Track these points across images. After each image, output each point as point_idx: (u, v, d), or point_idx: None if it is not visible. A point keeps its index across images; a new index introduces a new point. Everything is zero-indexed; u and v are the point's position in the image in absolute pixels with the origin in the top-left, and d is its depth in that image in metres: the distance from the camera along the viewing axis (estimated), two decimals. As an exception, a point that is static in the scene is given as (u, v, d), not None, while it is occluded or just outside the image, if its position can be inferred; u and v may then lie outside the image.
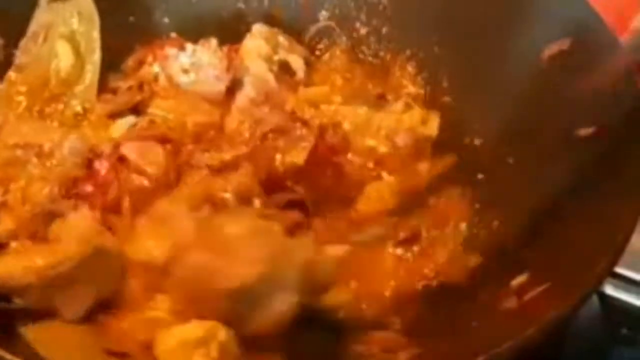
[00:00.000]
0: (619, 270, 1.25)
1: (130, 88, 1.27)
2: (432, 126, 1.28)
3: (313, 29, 1.41)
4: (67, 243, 1.00)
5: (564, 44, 1.18)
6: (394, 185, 1.23)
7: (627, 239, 0.95)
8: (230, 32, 1.38)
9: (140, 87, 1.28)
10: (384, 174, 1.24)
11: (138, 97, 1.25)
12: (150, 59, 1.31)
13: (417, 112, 1.29)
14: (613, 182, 1.02)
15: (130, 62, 1.35)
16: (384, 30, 1.38)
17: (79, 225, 1.03)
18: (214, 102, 1.27)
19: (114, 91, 1.29)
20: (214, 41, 1.32)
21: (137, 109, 1.26)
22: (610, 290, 1.24)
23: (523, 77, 1.23)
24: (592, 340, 1.22)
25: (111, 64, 1.33)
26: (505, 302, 1.01)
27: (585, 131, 1.11)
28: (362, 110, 1.29)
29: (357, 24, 1.42)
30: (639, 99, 1.08)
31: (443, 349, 0.99)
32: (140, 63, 1.33)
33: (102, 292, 1.01)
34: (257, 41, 1.35)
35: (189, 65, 1.29)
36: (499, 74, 1.23)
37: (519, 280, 1.03)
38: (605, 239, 0.95)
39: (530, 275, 1.02)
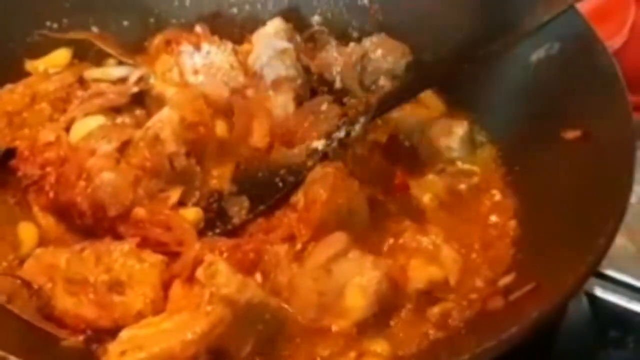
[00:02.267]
0: (608, 272, 1.26)
1: (141, 79, 1.29)
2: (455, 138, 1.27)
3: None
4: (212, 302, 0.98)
5: (552, 49, 1.20)
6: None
7: (610, 241, 0.96)
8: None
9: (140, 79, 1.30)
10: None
11: (135, 89, 1.26)
12: (173, 47, 1.34)
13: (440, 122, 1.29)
14: (597, 185, 1.04)
15: (157, 40, 1.38)
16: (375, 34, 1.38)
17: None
18: (217, 105, 1.28)
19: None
20: (229, 45, 1.33)
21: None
22: (599, 292, 1.25)
23: (513, 80, 1.25)
24: (581, 341, 1.23)
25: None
26: (491, 302, 1.03)
27: (572, 134, 1.13)
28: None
29: (350, 29, 1.44)
30: (624, 104, 1.10)
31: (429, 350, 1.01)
32: (168, 43, 1.36)
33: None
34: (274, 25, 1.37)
35: (200, 66, 1.31)
36: (489, 77, 1.24)
37: (505, 280, 1.05)
38: (589, 240, 0.97)
39: (516, 276, 1.05)
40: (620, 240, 1.29)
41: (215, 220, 1.16)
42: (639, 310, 1.24)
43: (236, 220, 1.17)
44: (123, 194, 1.11)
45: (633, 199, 1.35)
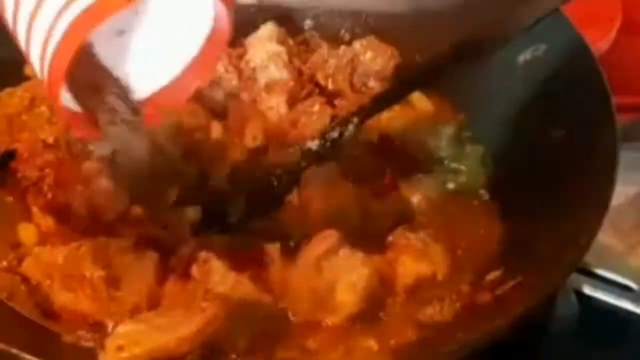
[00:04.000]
0: (598, 271, 1.28)
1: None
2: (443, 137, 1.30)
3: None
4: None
5: (538, 50, 1.23)
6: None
7: (592, 237, 0.99)
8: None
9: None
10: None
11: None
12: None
13: (428, 122, 1.31)
14: (581, 183, 1.07)
15: None
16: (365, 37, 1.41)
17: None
18: (212, 107, 1.31)
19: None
20: None
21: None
22: (588, 290, 1.27)
23: (500, 81, 1.28)
24: (570, 338, 1.24)
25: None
26: (479, 297, 1.06)
27: (556, 133, 1.16)
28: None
29: (341, 32, 1.46)
30: (608, 105, 1.13)
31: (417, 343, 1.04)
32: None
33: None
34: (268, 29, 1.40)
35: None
36: (477, 78, 1.27)
37: (492, 276, 1.08)
38: (572, 236, 1.00)
39: (503, 272, 1.07)
40: (609, 239, 1.32)
41: (213, 220, 1.19)
42: (628, 307, 1.26)
43: (233, 219, 1.19)
44: (119, 200, 1.14)
45: (622, 199, 1.39)
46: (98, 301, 1.03)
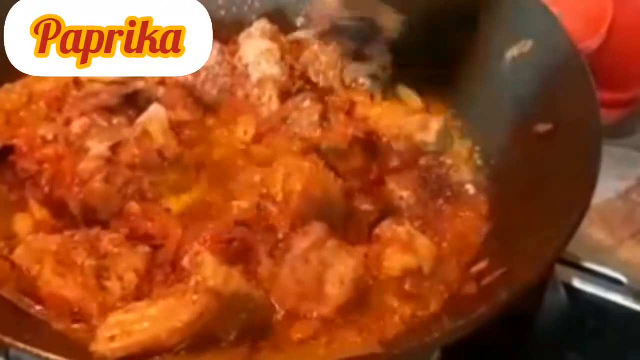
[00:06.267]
0: (587, 264, 1.30)
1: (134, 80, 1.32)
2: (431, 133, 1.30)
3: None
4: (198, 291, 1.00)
5: (525, 46, 1.24)
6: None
7: (575, 228, 1.01)
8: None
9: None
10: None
11: (128, 90, 1.30)
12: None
13: (417, 118, 1.31)
14: (566, 176, 1.08)
15: None
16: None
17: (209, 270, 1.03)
18: (206, 102, 1.33)
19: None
20: (217, 45, 1.36)
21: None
22: (577, 283, 1.29)
23: (488, 76, 1.30)
24: (560, 331, 1.26)
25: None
26: (465, 288, 1.07)
27: (543, 128, 1.17)
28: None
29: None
30: (593, 100, 1.14)
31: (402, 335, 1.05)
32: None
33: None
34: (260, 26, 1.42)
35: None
36: (465, 73, 1.29)
37: (478, 267, 1.10)
38: (556, 228, 1.01)
39: (489, 263, 1.09)
40: (599, 234, 1.34)
41: None
42: (617, 300, 1.28)
43: None
44: (113, 201, 1.16)
45: (612, 194, 1.41)
46: (87, 289, 1.04)
